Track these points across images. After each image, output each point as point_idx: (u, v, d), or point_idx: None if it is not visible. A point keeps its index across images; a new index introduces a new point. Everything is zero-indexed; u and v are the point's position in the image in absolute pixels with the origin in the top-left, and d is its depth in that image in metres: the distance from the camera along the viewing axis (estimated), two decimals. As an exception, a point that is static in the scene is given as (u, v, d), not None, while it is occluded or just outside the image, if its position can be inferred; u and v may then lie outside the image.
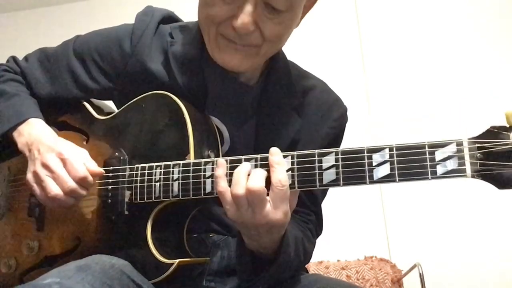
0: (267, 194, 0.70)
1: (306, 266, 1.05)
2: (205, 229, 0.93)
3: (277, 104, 0.93)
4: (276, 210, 0.70)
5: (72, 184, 0.84)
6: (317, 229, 1.00)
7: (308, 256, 0.94)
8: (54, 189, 0.84)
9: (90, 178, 0.85)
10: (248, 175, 0.71)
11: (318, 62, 2.27)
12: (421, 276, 1.80)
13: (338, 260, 1.83)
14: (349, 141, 0.96)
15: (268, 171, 0.71)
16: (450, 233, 2.18)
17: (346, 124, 1.02)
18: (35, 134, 0.90)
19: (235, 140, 0.92)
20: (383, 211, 2.24)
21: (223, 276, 0.91)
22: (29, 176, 0.87)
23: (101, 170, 0.88)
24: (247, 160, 0.75)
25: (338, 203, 2.24)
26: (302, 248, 0.88)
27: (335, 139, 1.00)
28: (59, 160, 0.85)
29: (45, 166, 0.85)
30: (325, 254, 1.84)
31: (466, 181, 2.20)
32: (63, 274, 0.71)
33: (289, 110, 0.93)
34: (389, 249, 2.20)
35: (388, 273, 1.80)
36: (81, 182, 0.84)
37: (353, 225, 2.20)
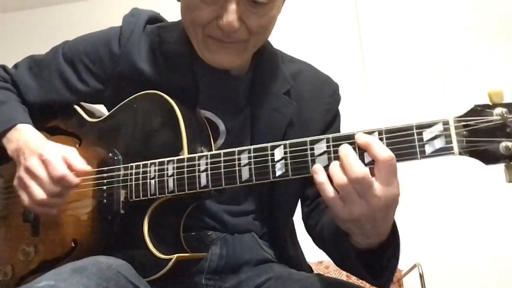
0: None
1: (311, 269, 1.07)
2: (203, 226, 0.94)
3: (268, 91, 0.96)
4: (389, 187, 0.66)
5: (53, 186, 0.84)
6: None
7: None
8: (39, 194, 0.84)
9: (70, 177, 0.85)
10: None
11: (318, 59, 2.30)
12: (421, 276, 1.82)
13: (338, 260, 1.83)
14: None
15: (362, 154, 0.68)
16: (450, 233, 2.19)
17: (340, 101, 1.06)
18: (23, 139, 0.91)
19: (231, 132, 0.95)
20: (383, 211, 2.24)
21: (222, 274, 0.93)
22: (15, 182, 0.89)
23: (87, 168, 0.88)
24: (240, 152, 0.77)
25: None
26: None
27: (335, 115, 1.04)
28: (40, 162, 0.85)
29: (28, 170, 0.86)
30: (325, 254, 1.84)
31: (466, 181, 2.21)
32: (58, 277, 0.72)
33: (282, 95, 0.96)
34: (389, 249, 2.21)
35: (388, 273, 1.81)
36: (61, 181, 0.85)
37: (353, 225, 2.19)
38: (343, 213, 0.69)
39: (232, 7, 0.80)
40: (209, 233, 0.94)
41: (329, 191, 0.68)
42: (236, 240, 0.95)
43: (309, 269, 1.05)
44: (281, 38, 2.32)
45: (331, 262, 1.80)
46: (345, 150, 0.68)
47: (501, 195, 2.17)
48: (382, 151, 0.65)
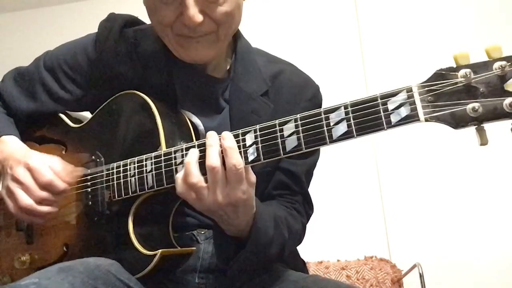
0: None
1: (306, 266, 1.01)
2: (198, 225, 0.90)
3: (247, 93, 0.91)
4: (234, 190, 0.69)
5: (40, 192, 0.81)
6: (306, 208, 0.96)
7: (295, 233, 0.89)
8: (25, 200, 0.81)
9: (58, 182, 0.82)
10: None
11: (317, 56, 2.24)
12: (421, 276, 1.73)
13: (338, 260, 1.76)
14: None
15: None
16: (450, 233, 2.10)
17: (322, 102, 1.00)
18: (7, 151, 0.88)
19: None
20: (383, 211, 2.17)
21: (214, 272, 0.87)
22: (3, 192, 0.85)
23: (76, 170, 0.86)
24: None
25: (338, 203, 2.15)
26: (285, 225, 0.84)
27: None
28: (26, 170, 0.82)
29: (15, 179, 0.83)
30: (325, 254, 1.77)
31: (465, 180, 2.12)
32: (43, 275, 0.69)
33: (260, 97, 0.91)
34: (389, 249, 2.12)
35: (388, 273, 1.73)
36: (48, 187, 0.82)
37: (353, 225, 2.11)
38: (197, 203, 0.71)
39: (190, 1, 0.78)
40: (202, 232, 0.89)
41: (182, 188, 0.71)
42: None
43: (302, 266, 0.99)
44: (281, 38, 2.31)
45: (331, 262, 1.73)
46: (230, 144, 0.69)
47: (501, 196, 2.08)
48: (231, 161, 0.68)
